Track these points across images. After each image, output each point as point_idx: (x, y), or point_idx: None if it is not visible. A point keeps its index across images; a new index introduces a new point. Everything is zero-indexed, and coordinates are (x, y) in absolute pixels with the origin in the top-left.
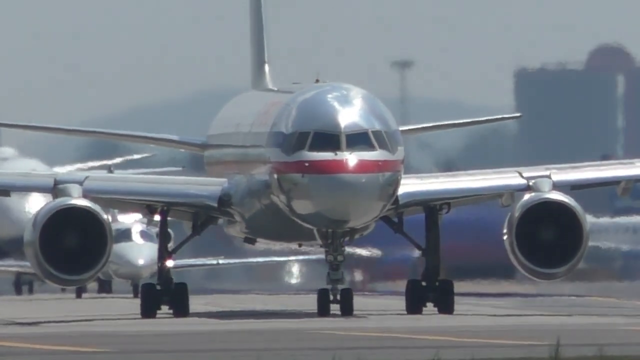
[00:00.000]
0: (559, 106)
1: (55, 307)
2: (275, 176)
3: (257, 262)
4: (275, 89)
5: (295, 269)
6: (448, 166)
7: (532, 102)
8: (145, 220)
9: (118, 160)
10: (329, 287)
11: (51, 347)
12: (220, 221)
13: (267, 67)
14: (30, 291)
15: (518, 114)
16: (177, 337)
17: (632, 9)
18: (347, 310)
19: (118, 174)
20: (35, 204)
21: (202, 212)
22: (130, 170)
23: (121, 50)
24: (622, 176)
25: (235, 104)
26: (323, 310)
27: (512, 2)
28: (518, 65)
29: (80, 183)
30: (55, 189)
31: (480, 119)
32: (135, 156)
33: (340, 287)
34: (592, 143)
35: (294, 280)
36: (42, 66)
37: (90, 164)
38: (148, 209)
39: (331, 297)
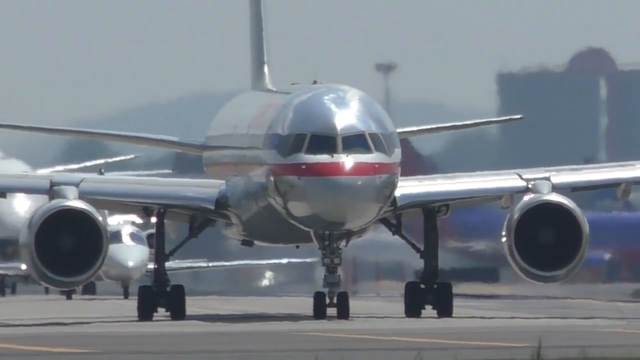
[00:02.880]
0: (541, 109)
1: (49, 308)
2: (272, 178)
3: (249, 264)
4: (274, 89)
5: (268, 272)
6: (429, 168)
7: (514, 105)
8: (131, 222)
9: (102, 161)
10: (325, 290)
11: (47, 349)
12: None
13: (266, 68)
14: (14, 292)
15: (519, 116)
16: (163, 338)
17: (614, 12)
18: (343, 313)
19: (107, 175)
20: (21, 205)
21: (199, 215)
22: (116, 173)
23: (119, 50)
24: (622, 178)
25: (233, 105)
26: (319, 314)
27: (495, 5)
28: (500, 67)
29: (77, 185)
30: (51, 190)
31: (481, 120)
32: (118, 158)
33: (336, 290)
34: (575, 146)
35: (267, 283)
36: (41, 65)
37: (73, 165)
38: (145, 211)
39: (327, 301)
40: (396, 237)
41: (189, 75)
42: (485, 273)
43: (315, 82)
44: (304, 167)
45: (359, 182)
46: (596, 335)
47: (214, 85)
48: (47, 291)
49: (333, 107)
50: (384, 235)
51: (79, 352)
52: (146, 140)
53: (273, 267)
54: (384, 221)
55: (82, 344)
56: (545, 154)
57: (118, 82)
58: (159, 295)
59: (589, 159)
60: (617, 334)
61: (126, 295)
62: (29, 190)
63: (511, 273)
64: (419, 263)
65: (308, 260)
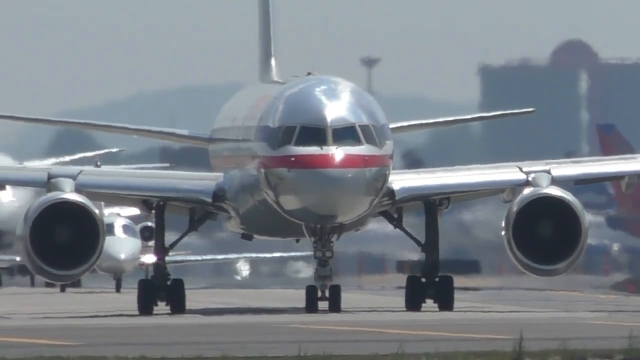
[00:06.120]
0: (523, 102)
1: (40, 301)
2: (262, 171)
3: (237, 258)
4: (280, 81)
5: (243, 265)
6: (413, 162)
7: (496, 98)
8: (116, 213)
9: (81, 155)
10: (317, 283)
11: (45, 341)
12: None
13: (273, 61)
14: None
15: (531, 109)
16: (146, 330)
17: (596, 5)
18: (335, 306)
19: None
20: (5, 195)
21: (198, 208)
22: (113, 166)
23: (125, 43)
24: (623, 171)
25: (237, 97)
26: (311, 307)
27: None
28: (482, 61)
29: (74, 177)
30: (49, 183)
31: (490, 114)
32: (104, 150)
33: (328, 283)
34: (557, 140)
35: (244, 276)
36: (28, 55)
37: (61, 159)
38: (145, 204)
39: (319, 294)
40: (377, 230)
41: (182, 68)
42: (467, 266)
43: (309, 74)
44: (293, 159)
45: (349, 175)
46: (577, 327)
47: (206, 78)
48: (32, 283)
49: (323, 98)
50: (367, 228)
51: (65, 344)
52: (153, 133)
53: (248, 261)
54: (385, 214)
55: (75, 336)
56: (526, 147)
57: (120, 74)
58: (159, 289)
59: (571, 153)
60: (598, 326)
61: (118, 288)
62: (26, 182)
63: (493, 265)
64: (402, 256)
65: (277, 255)
